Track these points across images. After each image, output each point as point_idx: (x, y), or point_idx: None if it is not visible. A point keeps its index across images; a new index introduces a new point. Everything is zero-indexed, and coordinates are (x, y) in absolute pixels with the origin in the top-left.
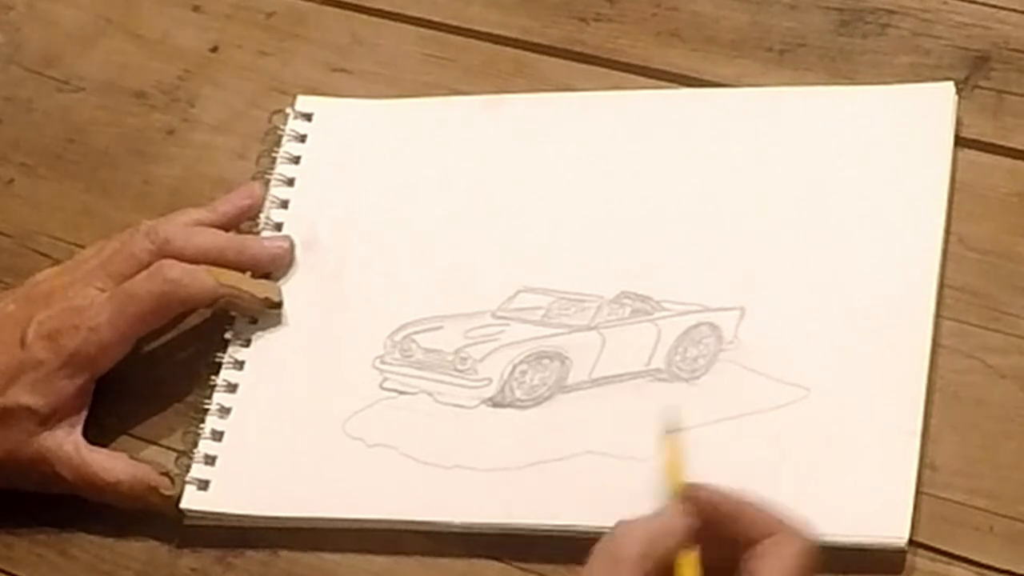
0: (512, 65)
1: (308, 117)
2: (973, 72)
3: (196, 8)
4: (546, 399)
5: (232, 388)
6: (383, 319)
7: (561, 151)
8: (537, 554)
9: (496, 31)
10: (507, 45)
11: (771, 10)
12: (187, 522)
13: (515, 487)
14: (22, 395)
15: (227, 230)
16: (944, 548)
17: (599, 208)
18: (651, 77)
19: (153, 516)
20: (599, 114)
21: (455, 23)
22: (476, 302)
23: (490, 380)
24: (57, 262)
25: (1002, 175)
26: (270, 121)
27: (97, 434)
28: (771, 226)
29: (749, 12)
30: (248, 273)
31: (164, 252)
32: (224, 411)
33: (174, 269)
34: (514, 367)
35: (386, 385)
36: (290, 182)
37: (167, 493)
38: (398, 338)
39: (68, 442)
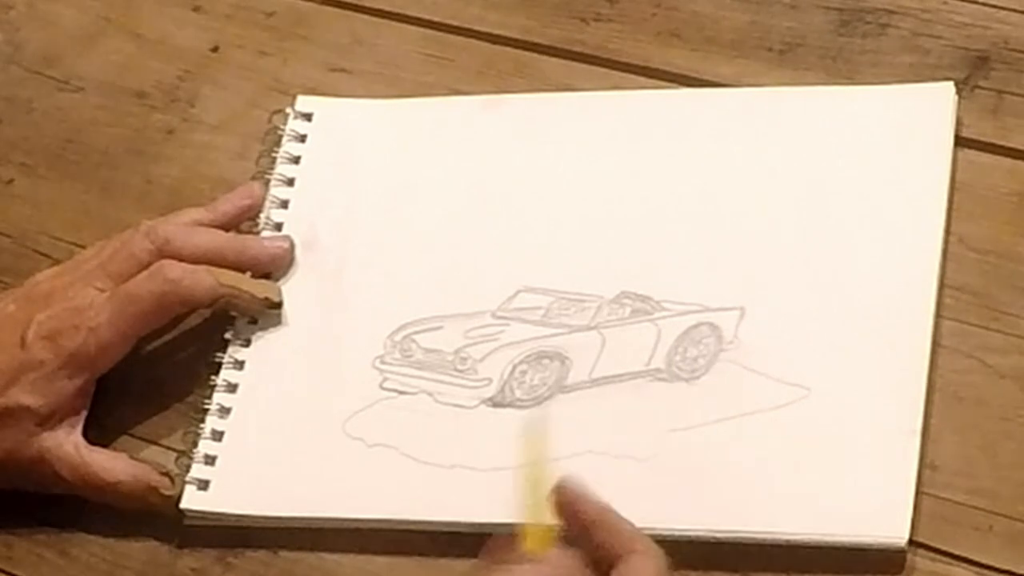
0: (512, 65)
1: (308, 117)
2: (973, 72)
3: (196, 8)
4: (546, 399)
5: (232, 388)
6: (383, 319)
7: (561, 151)
8: None
9: (496, 31)
10: (507, 45)
11: (771, 10)
12: (187, 522)
13: (515, 487)
14: (22, 395)
15: (227, 230)
16: (944, 548)
17: (599, 208)
18: (651, 77)
19: (153, 516)
20: (599, 114)
21: (455, 23)
22: (476, 302)
23: (490, 380)
24: (57, 262)
25: (1002, 175)
26: (270, 121)
27: (97, 434)
28: (771, 226)
29: (749, 12)
30: (248, 273)
31: (164, 252)
32: (224, 411)
33: (174, 269)
34: (514, 367)
35: (386, 385)
36: (290, 182)
37: (167, 493)
38: (398, 338)
39: (68, 442)
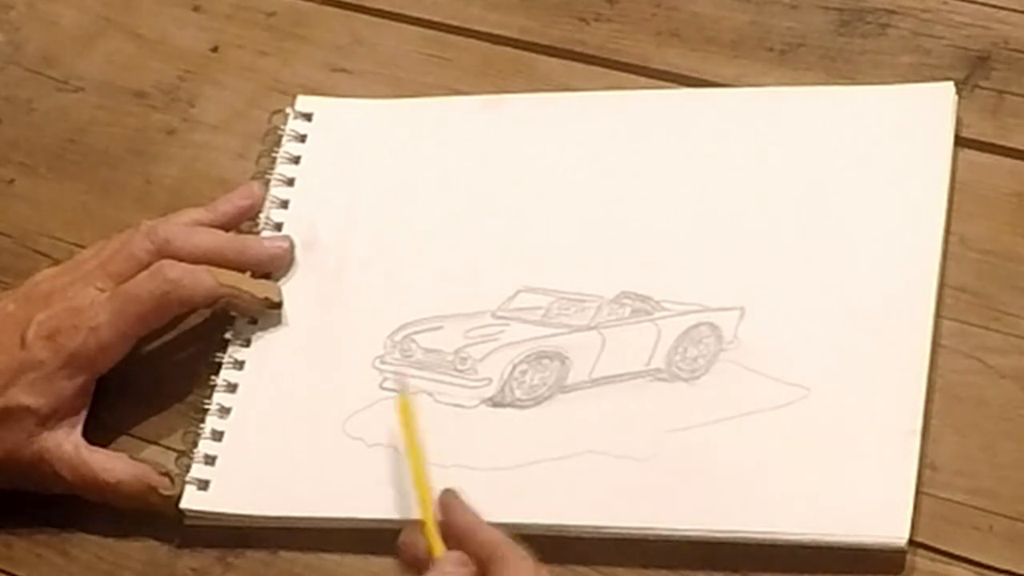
0: (512, 65)
1: (308, 117)
2: (973, 72)
3: (196, 8)
4: (546, 399)
5: (232, 388)
6: (383, 319)
7: (561, 151)
8: (537, 554)
9: (496, 31)
10: (507, 45)
11: (771, 10)
12: (187, 522)
13: (515, 487)
14: (22, 395)
15: (227, 230)
16: (944, 548)
17: (599, 208)
18: (651, 77)
19: (153, 516)
20: (599, 114)
21: (455, 23)
22: (476, 302)
23: (490, 380)
24: (57, 262)
25: (1002, 175)
26: (270, 121)
27: (97, 434)
28: (771, 226)
29: (749, 12)
30: (248, 273)
31: (164, 252)
32: (224, 411)
33: (174, 269)
34: (514, 367)
35: (386, 385)
36: (290, 182)
37: (167, 493)
38: (398, 338)
39: (68, 442)
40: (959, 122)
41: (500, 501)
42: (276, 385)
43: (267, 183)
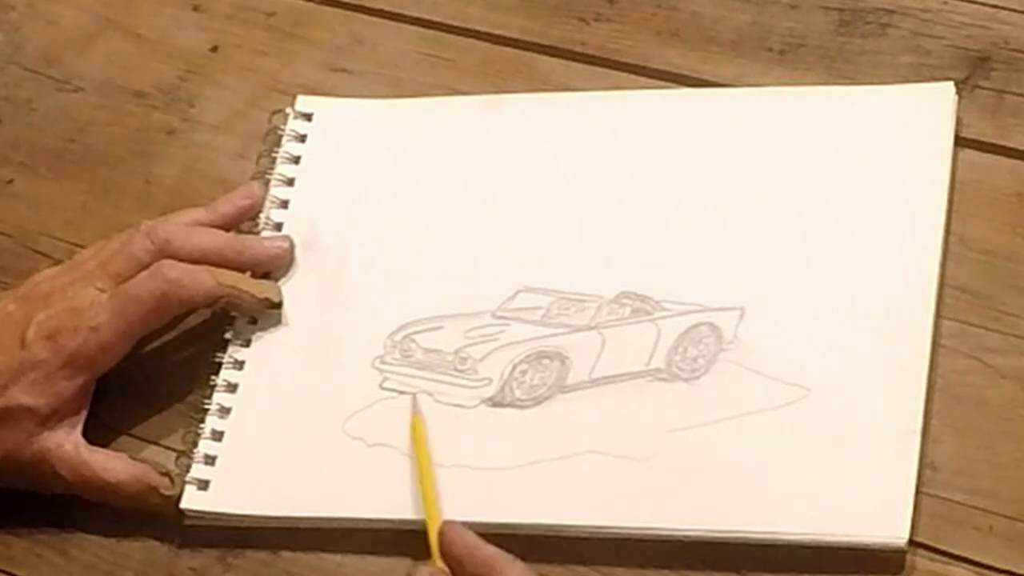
0: (512, 65)
1: (308, 117)
2: (973, 72)
3: (196, 8)
4: (546, 399)
5: (232, 388)
6: (383, 319)
7: (561, 151)
8: (537, 554)
9: (496, 31)
10: (507, 45)
11: (771, 10)
12: (187, 522)
13: (515, 487)
14: (22, 395)
15: (227, 230)
16: (944, 548)
17: (599, 208)
18: (651, 77)
19: (153, 516)
20: (599, 114)
21: (455, 23)
22: (476, 302)
23: (490, 380)
24: (57, 262)
25: (1002, 175)
26: (270, 121)
27: (97, 434)
28: (771, 226)
29: (749, 12)
30: (248, 273)
31: (164, 252)
32: (224, 411)
33: (174, 269)
34: (514, 367)
35: (386, 385)
36: (290, 182)
37: (167, 493)
38: (398, 338)
39: (68, 442)
40: (959, 122)
41: (500, 501)
42: (276, 385)
43: (267, 183)
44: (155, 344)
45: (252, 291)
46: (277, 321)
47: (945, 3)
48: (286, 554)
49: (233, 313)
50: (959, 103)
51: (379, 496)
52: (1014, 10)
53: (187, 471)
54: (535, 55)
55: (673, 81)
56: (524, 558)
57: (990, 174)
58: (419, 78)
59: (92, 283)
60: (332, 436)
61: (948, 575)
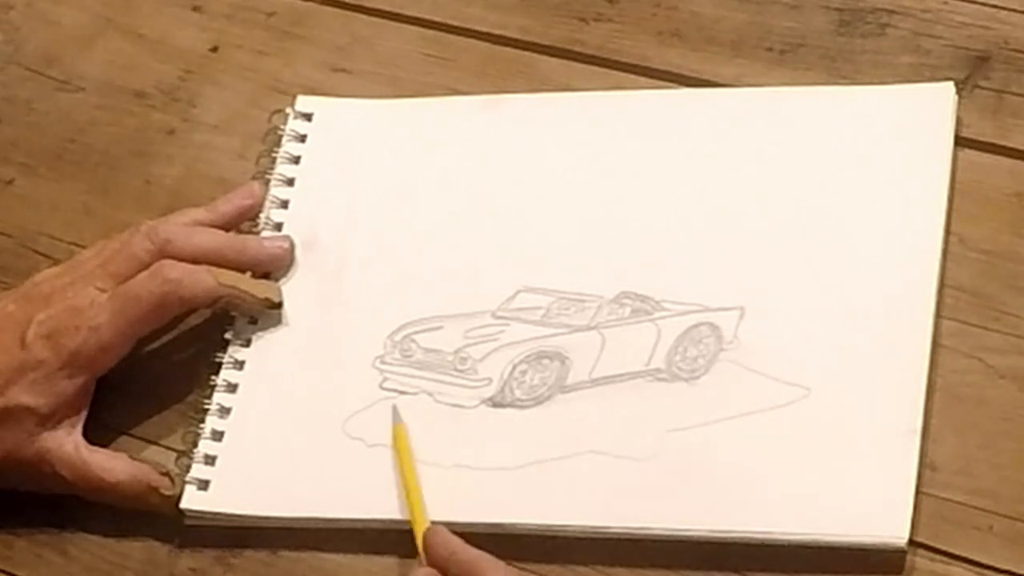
0: (512, 65)
1: (308, 117)
2: (973, 72)
3: (196, 8)
4: (546, 399)
5: (232, 388)
6: (383, 319)
7: (561, 151)
8: (536, 554)
9: (496, 31)
10: (507, 45)
11: (771, 10)
12: (187, 522)
13: (515, 487)
14: (22, 395)
15: (227, 230)
16: (944, 548)
17: (599, 208)
18: (651, 77)
19: (153, 516)
20: (599, 114)
21: (455, 23)
22: (476, 302)
23: (490, 380)
24: (57, 262)
25: (1002, 175)
26: (270, 121)
27: (97, 434)
28: (771, 226)
29: (749, 12)
30: (248, 273)
31: (164, 252)
32: (224, 411)
33: (174, 269)
34: (514, 367)
35: (386, 385)
36: (290, 182)
37: (167, 493)
38: (398, 338)
39: (68, 442)
40: (959, 122)
41: (500, 501)
42: (276, 385)
43: (267, 183)
44: (155, 344)
45: (252, 291)
46: (277, 321)
47: (945, 3)
48: (286, 554)
49: (233, 313)
50: (959, 103)
51: (379, 496)
52: (1014, 10)
53: (187, 471)
54: (535, 55)
55: (673, 81)
56: (523, 558)
57: (990, 174)
58: (419, 78)
59: (92, 283)
60: (332, 436)
61: (948, 575)
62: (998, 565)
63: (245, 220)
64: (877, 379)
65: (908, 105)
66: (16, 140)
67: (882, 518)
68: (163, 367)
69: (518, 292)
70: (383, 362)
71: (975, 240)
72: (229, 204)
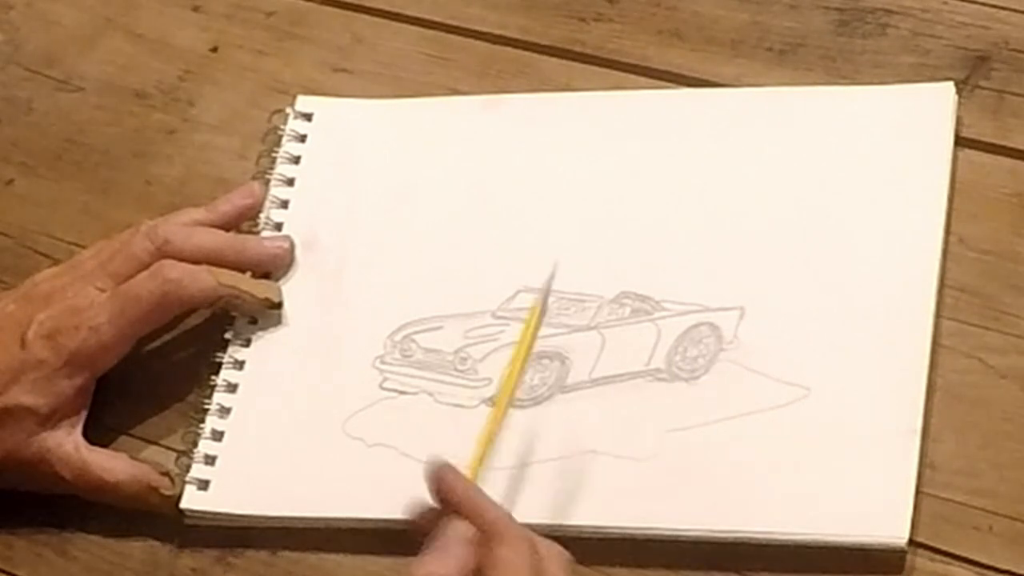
0: (512, 65)
1: (308, 117)
2: (973, 72)
3: (196, 8)
4: (546, 399)
5: (232, 388)
6: (383, 319)
7: (561, 151)
8: None
9: (496, 31)
10: (507, 45)
11: (771, 10)
12: (187, 522)
13: (515, 487)
14: (22, 395)
15: (227, 230)
16: (944, 548)
17: (599, 208)
18: (651, 77)
19: (153, 516)
20: (599, 114)
21: (455, 23)
22: (476, 302)
23: (490, 380)
24: (57, 262)
25: (1002, 175)
26: (270, 121)
27: (97, 434)
28: (771, 226)
29: (749, 12)
30: (248, 273)
31: (164, 252)
32: (224, 411)
33: (174, 269)
34: None
35: (386, 385)
36: (290, 182)
37: (167, 493)
38: (398, 338)
39: (68, 442)
40: (959, 122)
41: (500, 501)
42: (276, 385)
43: (267, 183)
44: (155, 344)
45: (252, 291)
46: (277, 321)
47: (945, 3)
48: (286, 554)
49: (233, 313)
50: (959, 103)
51: (379, 496)
52: (1014, 10)
53: (187, 471)
54: (535, 55)
55: (673, 81)
56: None
57: (990, 174)
58: (419, 78)
59: (92, 283)
60: (332, 436)
61: (948, 575)
62: (998, 565)
63: (245, 220)
64: (877, 379)
65: (908, 105)
66: (16, 140)
67: (882, 518)
68: (163, 367)
69: (518, 292)
70: (383, 362)
71: (975, 240)
72: (229, 204)
